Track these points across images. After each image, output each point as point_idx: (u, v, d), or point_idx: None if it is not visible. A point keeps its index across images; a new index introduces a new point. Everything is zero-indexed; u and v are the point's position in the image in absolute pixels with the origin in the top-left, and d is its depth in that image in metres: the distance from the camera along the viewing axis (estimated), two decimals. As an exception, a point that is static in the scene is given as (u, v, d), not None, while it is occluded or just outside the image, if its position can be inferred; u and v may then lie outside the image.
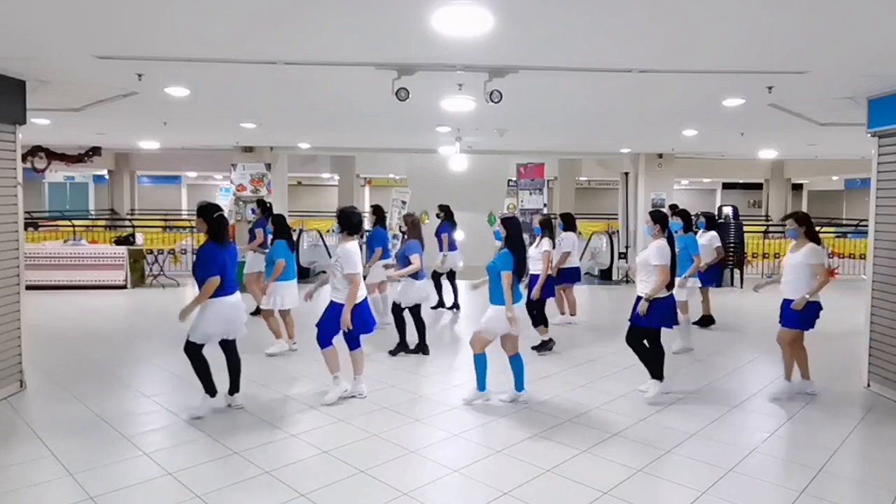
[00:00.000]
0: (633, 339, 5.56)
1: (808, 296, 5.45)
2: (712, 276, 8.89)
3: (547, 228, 7.63)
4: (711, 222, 8.95)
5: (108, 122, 9.69)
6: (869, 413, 5.43)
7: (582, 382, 6.09)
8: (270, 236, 7.39)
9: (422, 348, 7.15)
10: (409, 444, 4.61)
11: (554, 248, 7.62)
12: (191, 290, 11.73)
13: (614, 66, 5.30)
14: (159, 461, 4.27)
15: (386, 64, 5.22)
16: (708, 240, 8.54)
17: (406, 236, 7.43)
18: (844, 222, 21.76)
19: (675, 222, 7.40)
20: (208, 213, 5.06)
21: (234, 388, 5.32)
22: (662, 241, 5.48)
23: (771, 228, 19.22)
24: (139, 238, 12.45)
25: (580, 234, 21.68)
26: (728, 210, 14.64)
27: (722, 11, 3.84)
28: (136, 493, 3.85)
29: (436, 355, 7.17)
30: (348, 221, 5.43)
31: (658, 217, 5.63)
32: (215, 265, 4.95)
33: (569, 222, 8.75)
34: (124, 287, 11.67)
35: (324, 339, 5.43)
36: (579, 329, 8.61)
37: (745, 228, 13.17)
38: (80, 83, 6.18)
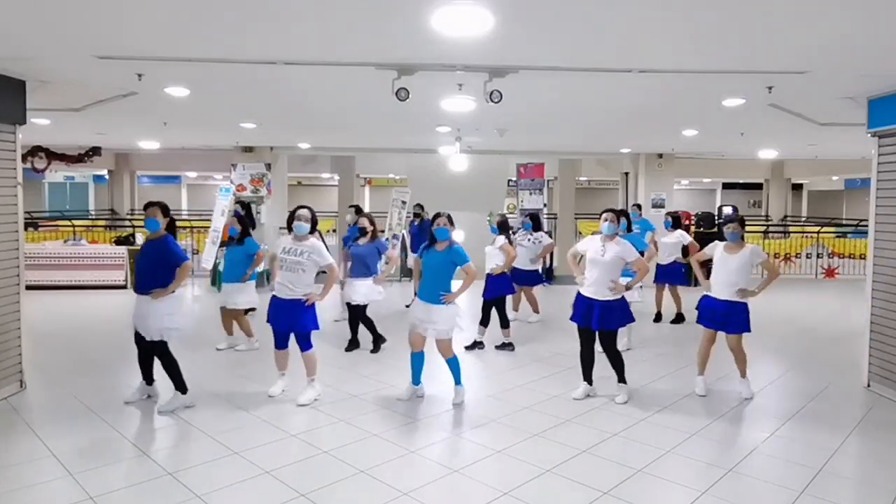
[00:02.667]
0: (612, 343, 5.57)
1: (757, 290, 5.54)
2: (675, 275, 9.01)
3: (503, 229, 7.71)
4: (678, 222, 9.46)
5: (108, 122, 9.69)
6: (869, 413, 5.43)
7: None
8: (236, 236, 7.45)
9: (376, 343, 7.33)
10: (409, 444, 4.61)
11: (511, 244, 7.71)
12: (190, 289, 11.74)
13: (614, 66, 5.30)
14: (159, 461, 4.27)
15: (386, 64, 5.22)
16: (677, 238, 9.06)
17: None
18: (844, 222, 21.76)
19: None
20: (167, 210, 5.26)
21: (149, 379, 5.46)
22: (622, 240, 5.55)
23: (771, 228, 19.23)
24: (139, 238, 12.44)
25: (580, 233, 21.73)
26: (728, 210, 14.59)
27: (722, 11, 3.84)
28: (136, 493, 3.85)
29: (435, 356, 7.17)
30: (287, 219, 5.56)
31: (623, 214, 5.83)
32: (183, 252, 5.19)
33: (537, 223, 9.01)
34: (124, 287, 11.66)
35: (307, 342, 5.53)
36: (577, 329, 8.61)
37: (745, 228, 13.16)
38: (80, 83, 6.18)
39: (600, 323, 5.43)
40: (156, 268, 5.13)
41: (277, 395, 5.59)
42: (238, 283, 7.17)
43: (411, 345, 5.54)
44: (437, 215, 5.51)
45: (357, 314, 7.29)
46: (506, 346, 7.41)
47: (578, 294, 5.58)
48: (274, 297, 5.43)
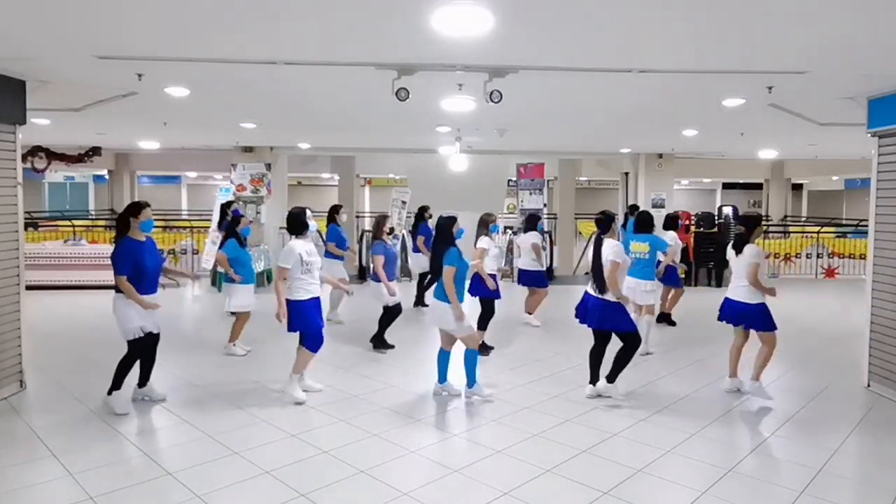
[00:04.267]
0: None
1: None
2: (670, 278, 8.80)
3: (483, 227, 7.73)
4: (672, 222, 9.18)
5: (108, 122, 9.70)
6: (869, 413, 5.43)
7: (583, 382, 6.07)
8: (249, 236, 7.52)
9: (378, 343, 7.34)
10: (409, 444, 4.61)
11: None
12: (190, 289, 11.73)
13: (614, 66, 5.30)
14: (159, 461, 4.27)
15: (386, 64, 5.22)
16: (671, 239, 8.73)
17: (373, 238, 7.60)
18: (844, 222, 21.76)
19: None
20: None
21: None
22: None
23: (771, 228, 19.22)
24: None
25: (580, 233, 21.69)
26: (728, 210, 14.60)
27: (722, 11, 3.84)
28: (136, 493, 3.85)
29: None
30: (295, 223, 5.59)
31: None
32: None
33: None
34: (124, 287, 11.64)
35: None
36: (580, 329, 8.60)
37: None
38: (80, 83, 6.18)
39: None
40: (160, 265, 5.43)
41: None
42: (253, 283, 7.20)
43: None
44: (455, 218, 5.53)
45: (397, 314, 7.27)
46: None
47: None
48: (313, 299, 5.46)
